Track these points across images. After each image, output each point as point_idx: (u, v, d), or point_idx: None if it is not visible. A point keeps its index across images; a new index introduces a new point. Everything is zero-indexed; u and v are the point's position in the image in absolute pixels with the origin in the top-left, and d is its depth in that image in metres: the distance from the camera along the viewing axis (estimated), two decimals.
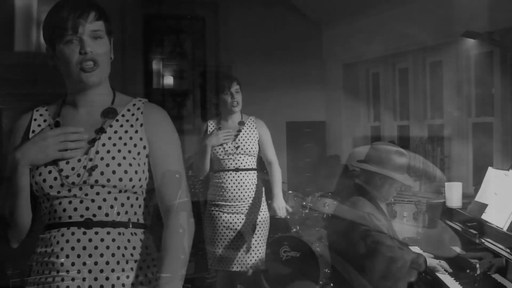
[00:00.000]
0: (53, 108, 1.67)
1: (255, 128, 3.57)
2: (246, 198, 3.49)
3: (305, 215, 4.55)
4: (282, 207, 3.53)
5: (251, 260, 3.50)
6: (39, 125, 1.64)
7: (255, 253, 3.51)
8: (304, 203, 4.59)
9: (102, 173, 1.54)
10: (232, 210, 3.49)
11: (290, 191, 4.74)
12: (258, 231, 3.52)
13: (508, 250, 2.53)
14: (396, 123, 5.76)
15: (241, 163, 3.49)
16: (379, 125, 5.95)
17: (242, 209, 3.49)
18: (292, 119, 6.26)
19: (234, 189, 3.47)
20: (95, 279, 1.52)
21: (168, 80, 6.01)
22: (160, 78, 5.99)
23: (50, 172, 1.55)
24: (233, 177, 3.48)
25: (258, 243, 3.53)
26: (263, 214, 3.56)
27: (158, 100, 5.79)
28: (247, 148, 3.49)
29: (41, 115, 1.66)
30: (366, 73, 6.28)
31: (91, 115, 1.62)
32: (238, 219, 3.49)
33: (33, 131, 1.63)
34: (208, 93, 6.11)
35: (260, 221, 3.53)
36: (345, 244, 2.76)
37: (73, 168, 1.55)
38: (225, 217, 3.50)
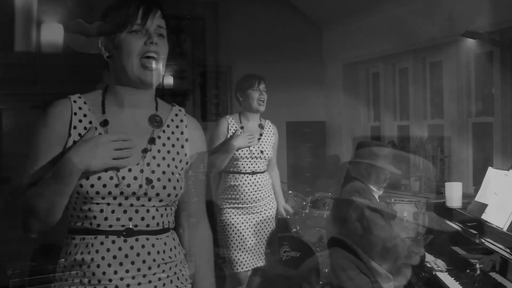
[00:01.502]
0: (93, 102, 1.57)
1: (273, 134, 3.60)
2: (260, 199, 3.51)
3: (305, 215, 4.55)
4: (286, 208, 3.75)
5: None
6: (80, 120, 1.52)
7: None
8: (304, 203, 4.59)
9: (152, 187, 1.51)
10: (249, 211, 3.50)
11: (290, 191, 4.74)
12: (270, 226, 3.56)
13: (508, 250, 2.53)
14: (396, 123, 5.76)
15: (258, 166, 3.51)
16: (379, 125, 5.95)
17: (256, 209, 3.51)
18: (292, 119, 6.26)
19: (251, 191, 3.48)
20: (139, 284, 1.51)
21: (168, 80, 6.01)
22: None
23: (99, 178, 1.47)
24: (250, 179, 3.48)
25: (271, 238, 3.56)
26: (271, 213, 3.60)
27: None
28: (267, 154, 3.51)
29: (80, 108, 1.54)
30: (366, 73, 6.28)
31: (137, 118, 1.57)
32: (254, 219, 3.51)
33: (75, 127, 1.51)
34: (208, 92, 6.11)
35: (271, 217, 3.58)
36: (344, 226, 3.09)
37: (123, 178, 1.49)
38: (242, 218, 3.49)
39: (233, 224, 3.48)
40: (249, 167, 3.48)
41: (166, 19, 1.61)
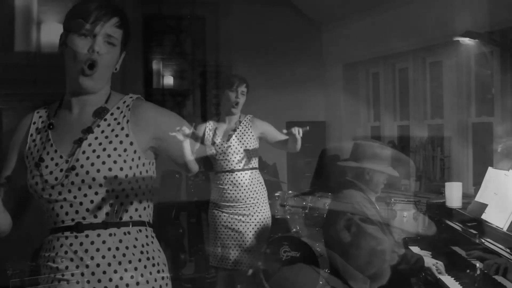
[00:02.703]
0: (51, 109, 1.68)
1: (250, 127, 3.55)
2: (244, 199, 3.48)
3: (305, 215, 4.55)
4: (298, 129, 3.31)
5: (251, 260, 3.50)
6: (37, 128, 1.65)
7: (256, 253, 3.52)
8: (304, 203, 4.59)
9: (87, 173, 1.53)
10: (231, 210, 3.49)
11: (290, 191, 4.74)
12: (259, 231, 3.53)
13: (508, 250, 2.53)
14: (396, 123, 5.76)
15: (236, 165, 3.48)
16: (379, 125, 5.95)
17: (241, 210, 3.49)
18: (292, 119, 6.25)
19: (231, 190, 3.47)
20: (99, 281, 1.52)
21: (168, 80, 6.01)
22: (160, 78, 6.00)
23: (41, 175, 1.56)
24: (229, 178, 3.48)
25: (259, 243, 3.53)
26: (264, 214, 3.56)
27: (158, 100, 5.79)
28: (243, 150, 3.48)
29: (40, 116, 1.67)
30: (366, 73, 6.28)
31: (84, 115, 1.62)
32: (238, 220, 3.49)
33: (31, 135, 1.64)
34: (208, 92, 6.12)
35: (261, 221, 3.53)
36: (332, 234, 2.95)
37: (61, 170, 1.55)
38: (225, 217, 3.50)
39: (216, 221, 3.54)
40: (226, 165, 3.48)
41: (124, 28, 1.60)
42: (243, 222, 3.50)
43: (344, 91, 6.36)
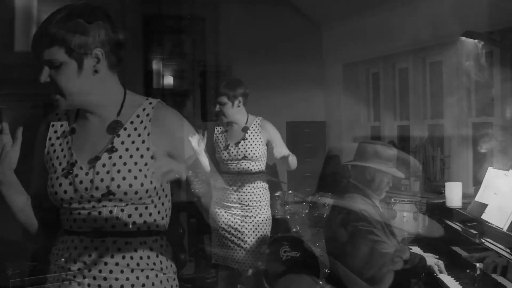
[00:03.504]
0: (71, 112, 1.66)
1: (260, 132, 3.57)
2: (247, 200, 3.51)
3: (305, 215, 4.55)
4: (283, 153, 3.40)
5: (251, 260, 3.51)
6: (55, 131, 1.64)
7: (256, 253, 3.53)
8: (304, 203, 4.59)
9: (107, 187, 1.52)
10: (234, 211, 3.51)
11: (290, 191, 4.74)
12: (259, 231, 3.54)
13: (508, 250, 2.53)
14: (396, 123, 5.76)
15: (243, 167, 3.54)
16: (379, 125, 5.95)
17: (244, 211, 3.51)
18: (292, 119, 6.25)
19: (236, 192, 3.49)
20: (110, 287, 1.52)
21: (168, 80, 6.01)
22: (160, 78, 5.99)
23: (60, 185, 1.56)
24: (235, 180, 3.49)
25: (259, 244, 3.54)
26: (265, 215, 3.58)
27: None
28: (253, 155, 3.51)
29: (59, 119, 1.65)
30: (366, 73, 6.28)
31: (100, 121, 1.60)
32: (240, 220, 3.51)
33: (50, 138, 1.63)
34: (208, 92, 6.11)
35: (262, 222, 3.55)
36: (330, 234, 2.94)
37: (81, 182, 1.54)
38: (228, 217, 3.51)
39: (218, 222, 3.54)
40: (233, 168, 3.54)
41: (59, 42, 1.48)
42: (245, 222, 3.51)
43: (344, 91, 6.35)
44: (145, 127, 1.58)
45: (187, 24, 6.05)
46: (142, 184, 1.53)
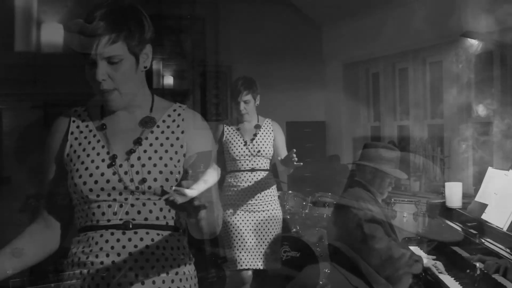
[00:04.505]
0: (93, 109, 1.64)
1: (272, 131, 3.61)
2: (259, 197, 3.54)
3: (305, 215, 4.55)
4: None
5: (266, 258, 3.53)
6: (77, 127, 1.61)
7: (271, 250, 3.55)
8: (304, 203, 4.59)
9: (144, 181, 1.53)
10: (249, 209, 3.52)
11: (290, 191, 4.74)
12: (273, 228, 3.56)
13: (508, 250, 2.53)
14: (396, 123, 5.76)
15: (257, 164, 3.55)
16: (379, 125, 5.95)
17: (256, 207, 3.53)
18: (292, 119, 6.26)
19: (250, 188, 3.51)
20: (136, 276, 1.52)
21: (168, 80, 6.01)
22: (160, 78, 5.99)
23: (91, 175, 1.53)
24: (249, 176, 3.53)
25: (273, 240, 3.56)
26: (277, 211, 3.60)
27: None
28: (265, 151, 3.55)
29: (79, 115, 1.63)
30: (366, 73, 6.28)
31: (132, 118, 1.61)
32: (254, 217, 3.52)
33: (72, 133, 1.61)
34: (208, 92, 6.11)
35: (274, 218, 3.57)
36: (343, 233, 2.98)
37: (114, 173, 1.54)
38: (243, 216, 3.52)
39: (234, 222, 3.52)
40: (247, 165, 3.54)
41: (122, 38, 1.47)
42: (259, 219, 3.53)
43: (344, 91, 6.36)
44: (178, 125, 1.63)
45: (187, 24, 6.05)
46: (176, 180, 1.56)
